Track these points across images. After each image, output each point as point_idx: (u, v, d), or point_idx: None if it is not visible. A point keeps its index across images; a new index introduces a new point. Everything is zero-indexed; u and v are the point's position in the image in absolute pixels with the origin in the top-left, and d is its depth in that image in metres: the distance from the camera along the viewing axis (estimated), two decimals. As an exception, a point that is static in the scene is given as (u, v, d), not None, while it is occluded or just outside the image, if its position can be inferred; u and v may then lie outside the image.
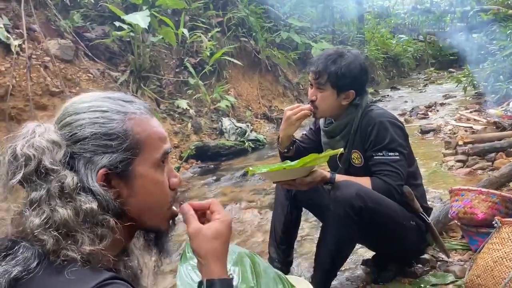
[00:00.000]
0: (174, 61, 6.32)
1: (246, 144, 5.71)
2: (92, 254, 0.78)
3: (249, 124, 6.38)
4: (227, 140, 5.82)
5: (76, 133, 0.85)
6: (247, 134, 5.95)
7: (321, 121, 2.19)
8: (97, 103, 0.89)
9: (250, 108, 7.24)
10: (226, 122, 6.07)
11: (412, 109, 7.15)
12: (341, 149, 1.80)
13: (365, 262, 2.22)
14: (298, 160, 1.75)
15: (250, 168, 1.80)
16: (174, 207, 0.96)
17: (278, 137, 2.17)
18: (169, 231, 0.98)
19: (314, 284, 1.77)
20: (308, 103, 2.06)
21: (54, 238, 0.78)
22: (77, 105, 0.89)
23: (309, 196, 2.08)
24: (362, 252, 2.34)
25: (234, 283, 0.95)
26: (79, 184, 0.83)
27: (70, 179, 0.82)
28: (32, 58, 4.30)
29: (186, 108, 5.68)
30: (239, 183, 4.46)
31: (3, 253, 0.79)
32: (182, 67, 6.31)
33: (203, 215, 1.00)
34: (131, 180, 0.87)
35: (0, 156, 0.85)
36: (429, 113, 6.79)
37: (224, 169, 5.12)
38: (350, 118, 2.03)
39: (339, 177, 1.89)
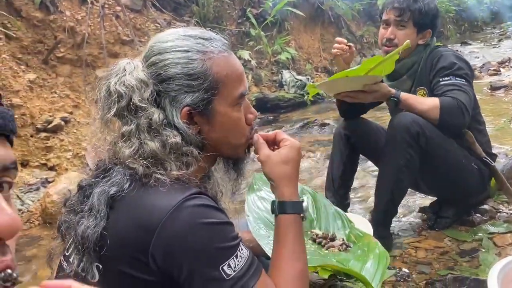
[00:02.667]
0: (236, 11, 6.34)
1: (306, 97, 5.72)
2: (180, 177, 0.87)
3: (309, 77, 6.35)
4: (287, 92, 5.86)
5: (161, 73, 0.92)
6: (307, 87, 5.95)
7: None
8: (179, 43, 0.94)
9: (310, 61, 7.17)
10: (286, 75, 6.09)
11: (483, 64, 6.75)
12: (408, 41, 1.80)
13: (422, 209, 2.26)
14: (359, 65, 1.73)
15: (311, 83, 1.81)
16: (251, 138, 1.04)
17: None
18: (245, 157, 1.06)
19: (375, 222, 1.83)
20: (384, 44, 2.02)
21: (144, 165, 0.86)
22: (161, 44, 0.95)
23: (368, 141, 2.11)
24: (420, 200, 2.38)
25: (304, 205, 1.01)
26: (164, 121, 0.91)
27: (156, 115, 0.90)
28: (105, 7, 4.50)
29: (247, 60, 5.75)
30: (298, 134, 4.54)
31: (101, 175, 0.91)
32: (244, 18, 6.32)
33: (272, 145, 1.07)
34: (211, 117, 0.95)
35: (97, 91, 0.95)
36: (502, 69, 6.39)
37: (283, 121, 5.20)
38: (418, 57, 2.03)
39: (404, 94, 1.86)
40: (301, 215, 0.99)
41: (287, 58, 6.33)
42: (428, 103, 1.81)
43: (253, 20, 6.17)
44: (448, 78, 1.86)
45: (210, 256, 0.82)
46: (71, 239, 0.87)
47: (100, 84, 0.95)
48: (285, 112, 5.50)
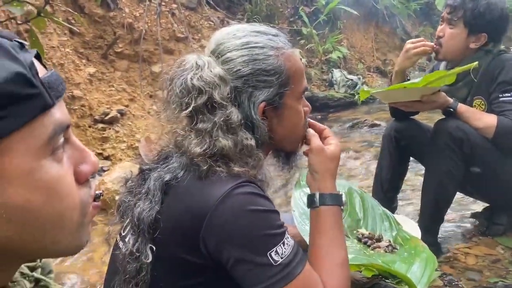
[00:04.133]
0: (288, 10, 6.35)
1: (356, 97, 5.63)
2: (241, 174, 0.89)
3: (361, 77, 6.25)
4: (336, 92, 5.80)
5: (240, 69, 0.94)
6: (357, 86, 5.86)
7: (441, 67, 2.12)
8: (253, 39, 0.96)
9: (362, 60, 7.05)
10: (337, 74, 6.03)
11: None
12: (476, 63, 1.71)
13: (474, 215, 2.18)
14: (421, 78, 1.69)
15: (365, 89, 1.79)
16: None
17: (391, 75, 2.13)
18: (298, 150, 1.10)
19: (421, 228, 1.80)
20: (435, 40, 1.96)
21: (209, 163, 0.88)
22: (234, 40, 0.96)
23: (418, 143, 2.06)
24: (472, 205, 2.30)
25: (344, 198, 1.05)
26: (242, 121, 0.93)
27: (235, 115, 0.91)
28: (162, 5, 4.65)
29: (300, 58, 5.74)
30: (347, 134, 4.49)
31: (161, 162, 0.95)
32: (296, 17, 6.32)
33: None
34: (281, 111, 0.99)
35: (167, 86, 0.96)
36: None
37: (331, 120, 5.16)
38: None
39: (462, 106, 1.81)
40: (341, 207, 1.02)
41: (339, 57, 6.26)
42: (484, 120, 1.76)
43: (305, 19, 6.15)
44: (509, 94, 1.79)
45: (258, 242, 0.84)
46: (128, 220, 0.93)
47: (170, 78, 0.96)
48: (334, 111, 5.45)
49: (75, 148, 0.52)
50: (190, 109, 0.91)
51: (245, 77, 0.95)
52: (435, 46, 1.94)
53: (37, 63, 0.48)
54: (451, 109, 1.80)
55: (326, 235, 0.98)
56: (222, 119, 0.90)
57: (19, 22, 3.15)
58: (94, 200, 0.54)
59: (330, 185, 1.03)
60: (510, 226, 2.00)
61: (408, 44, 1.97)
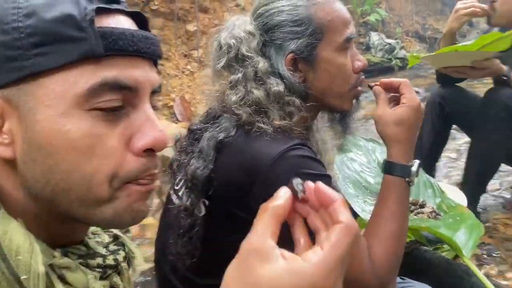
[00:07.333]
0: (327, -31, 6.13)
1: (394, 61, 5.48)
2: (282, 127, 0.90)
3: (399, 41, 6.05)
4: (373, 56, 5.66)
5: (267, 22, 0.95)
6: (395, 51, 5.69)
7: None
8: None
9: (401, 24, 6.80)
10: (375, 37, 5.85)
11: None
12: None
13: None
14: (473, 41, 1.61)
15: (414, 54, 1.71)
16: (359, 88, 1.01)
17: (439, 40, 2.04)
18: (353, 110, 1.04)
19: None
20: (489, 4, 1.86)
21: (248, 112, 0.90)
22: None
23: (464, 112, 2.00)
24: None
25: (413, 169, 0.96)
26: (269, 69, 0.93)
27: (262, 64, 0.93)
28: (198, -39, 4.57)
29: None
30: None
31: (211, 121, 0.96)
32: (335, -24, 6.10)
33: (395, 93, 1.00)
34: (315, 64, 0.95)
35: (210, 46, 1.00)
36: None
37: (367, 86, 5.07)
38: None
39: None
40: (407, 179, 0.96)
41: (377, 19, 6.06)
42: None
43: (344, -22, 5.94)
44: None
45: None
46: (181, 176, 0.95)
47: (212, 39, 1.00)
48: (370, 76, 5.30)
49: (141, 118, 0.49)
50: (222, 63, 0.95)
51: (272, 29, 0.95)
52: (487, 9, 1.84)
53: (125, 19, 0.49)
54: (505, 77, 1.73)
55: (384, 206, 0.96)
56: (251, 69, 0.93)
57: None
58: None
59: (396, 153, 0.96)
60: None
61: (459, 4, 1.89)
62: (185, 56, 4.40)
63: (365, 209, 1.26)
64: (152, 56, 0.51)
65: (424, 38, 6.69)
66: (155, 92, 0.52)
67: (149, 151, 0.49)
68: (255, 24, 0.97)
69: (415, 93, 0.98)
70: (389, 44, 5.72)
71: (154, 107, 0.52)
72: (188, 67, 4.23)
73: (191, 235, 0.91)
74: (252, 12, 0.99)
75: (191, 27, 4.43)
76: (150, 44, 0.50)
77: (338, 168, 1.43)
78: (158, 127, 0.49)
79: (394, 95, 1.00)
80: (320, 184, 0.45)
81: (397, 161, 0.96)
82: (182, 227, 0.91)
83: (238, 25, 0.96)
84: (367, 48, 5.81)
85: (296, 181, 0.46)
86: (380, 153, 1.50)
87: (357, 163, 1.44)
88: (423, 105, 0.98)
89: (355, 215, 1.22)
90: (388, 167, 0.97)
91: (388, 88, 1.00)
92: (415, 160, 0.97)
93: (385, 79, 1.02)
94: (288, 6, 0.94)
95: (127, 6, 0.52)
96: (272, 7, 0.96)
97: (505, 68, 1.73)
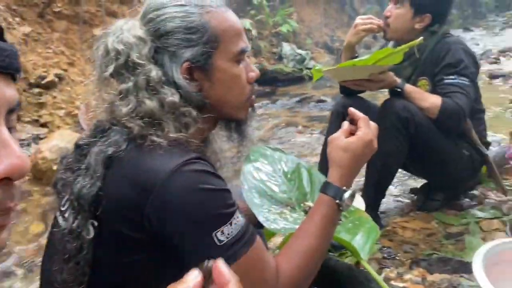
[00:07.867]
0: (240, -21, 6.21)
1: (305, 72, 5.68)
2: (178, 140, 0.85)
3: (309, 52, 6.29)
4: (285, 66, 5.81)
5: (159, 28, 0.90)
6: (306, 62, 5.90)
7: (390, 46, 2.15)
8: None
9: (311, 35, 7.09)
10: (286, 48, 6.03)
11: (484, 52, 6.74)
12: (421, 38, 1.74)
13: (413, 191, 2.28)
14: (369, 55, 1.72)
15: (317, 67, 1.80)
16: (253, 97, 1.02)
17: (340, 52, 2.14)
18: (248, 119, 1.04)
19: (364, 200, 1.85)
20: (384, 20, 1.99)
21: (140, 125, 0.85)
22: (159, 0, 0.92)
23: None
24: (411, 181, 2.40)
25: (345, 195, 0.98)
26: (163, 78, 0.89)
27: (155, 72, 0.88)
28: (105, -37, 4.38)
29: (248, 29, 5.66)
30: (295, 109, 4.53)
31: (99, 135, 0.89)
32: (248, -14, 6.20)
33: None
34: (211, 73, 0.93)
35: (95, 51, 0.92)
36: (502, 58, 6.38)
37: (280, 94, 5.18)
38: (422, 44, 1.98)
39: (408, 86, 1.86)
40: (337, 201, 0.97)
41: (288, 30, 6.26)
42: (430, 101, 1.81)
43: (256, -11, 6.06)
44: (453, 77, 1.84)
45: (204, 222, 0.81)
46: (67, 196, 0.86)
47: (98, 43, 0.93)
48: (282, 85, 5.47)
49: None
50: (110, 71, 0.88)
51: (164, 36, 0.90)
52: (382, 25, 1.97)
53: None
54: (399, 89, 1.84)
55: (311, 220, 0.97)
56: (142, 77, 0.88)
57: None
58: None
59: (335, 176, 0.99)
60: (445, 202, 2.11)
61: (358, 20, 1.99)
62: (93, 61, 4.18)
63: (269, 218, 1.25)
64: (8, 70, 0.45)
65: (333, 49, 7.03)
66: (12, 110, 0.46)
67: (6, 180, 0.43)
68: (146, 29, 0.91)
69: (372, 130, 1.02)
70: (300, 54, 5.92)
71: (12, 128, 0.46)
72: (94, 72, 4.03)
73: (78, 260, 0.83)
74: (142, 16, 0.94)
75: (98, 31, 4.20)
76: (5, 56, 0.45)
77: (244, 178, 1.41)
78: (16, 153, 0.44)
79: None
80: (219, 262, 0.43)
81: (333, 183, 0.99)
82: (69, 251, 0.83)
83: (127, 29, 0.90)
84: (280, 58, 5.97)
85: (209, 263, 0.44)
86: (286, 162, 1.52)
87: (263, 172, 1.44)
88: (375, 141, 1.02)
89: (260, 225, 1.21)
90: (324, 186, 1.00)
91: (351, 118, 1.05)
92: (351, 188, 1.01)
93: (352, 109, 1.05)
94: (181, 13, 0.91)
95: None
96: (163, 13, 0.91)
97: (398, 80, 1.85)
